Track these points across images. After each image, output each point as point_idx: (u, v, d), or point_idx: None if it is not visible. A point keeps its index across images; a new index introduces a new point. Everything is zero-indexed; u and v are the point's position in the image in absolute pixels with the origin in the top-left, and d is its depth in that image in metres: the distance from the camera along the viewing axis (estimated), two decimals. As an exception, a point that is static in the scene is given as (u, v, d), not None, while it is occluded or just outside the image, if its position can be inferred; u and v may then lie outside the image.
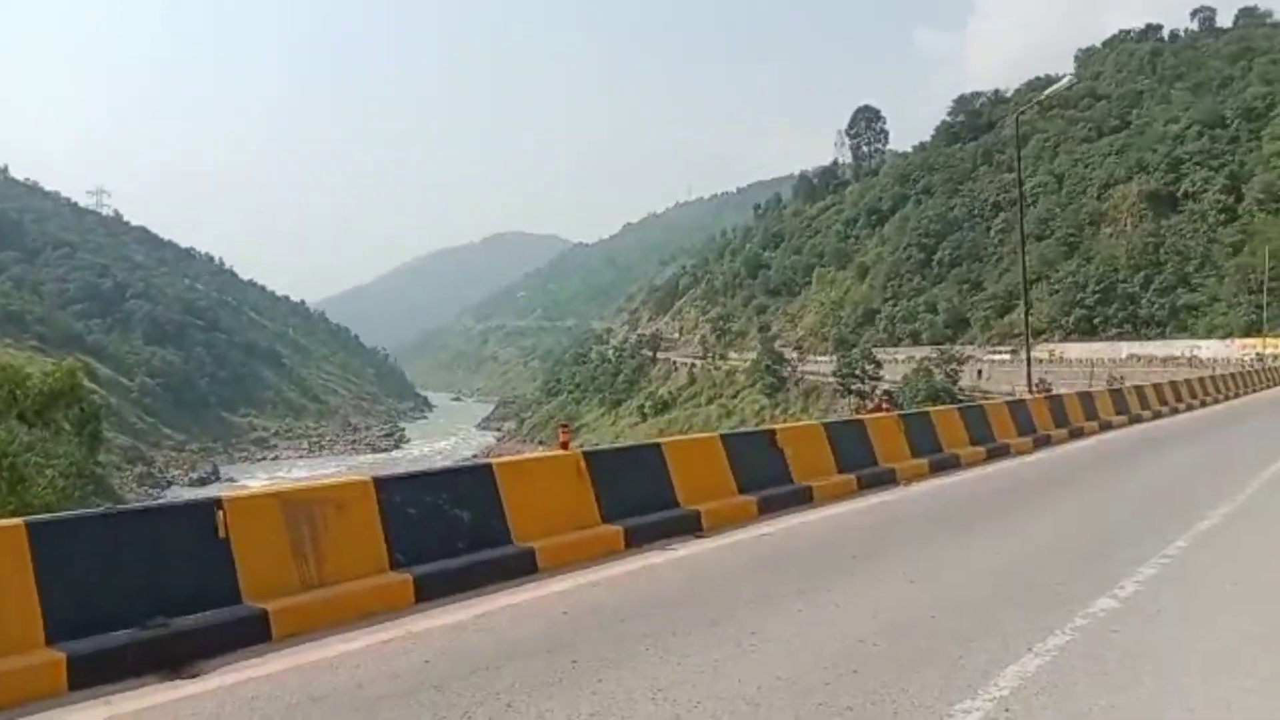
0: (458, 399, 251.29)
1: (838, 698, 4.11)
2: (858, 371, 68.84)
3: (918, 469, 11.70)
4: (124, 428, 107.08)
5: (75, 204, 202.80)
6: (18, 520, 4.71)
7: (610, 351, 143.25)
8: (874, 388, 65.98)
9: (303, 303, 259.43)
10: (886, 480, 10.92)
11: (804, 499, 9.46)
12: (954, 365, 61.25)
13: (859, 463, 10.75)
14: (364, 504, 5.88)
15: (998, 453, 13.96)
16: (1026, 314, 39.25)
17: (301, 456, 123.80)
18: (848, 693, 4.17)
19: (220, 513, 5.27)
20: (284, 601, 5.30)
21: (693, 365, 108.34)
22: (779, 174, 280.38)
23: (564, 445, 8.71)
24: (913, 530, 8.29)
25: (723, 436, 9.09)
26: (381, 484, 6.02)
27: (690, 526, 7.85)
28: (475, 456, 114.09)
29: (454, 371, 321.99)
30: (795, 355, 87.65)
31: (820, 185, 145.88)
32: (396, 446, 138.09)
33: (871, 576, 6.50)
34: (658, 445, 8.40)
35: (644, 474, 7.96)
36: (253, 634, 5.11)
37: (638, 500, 7.64)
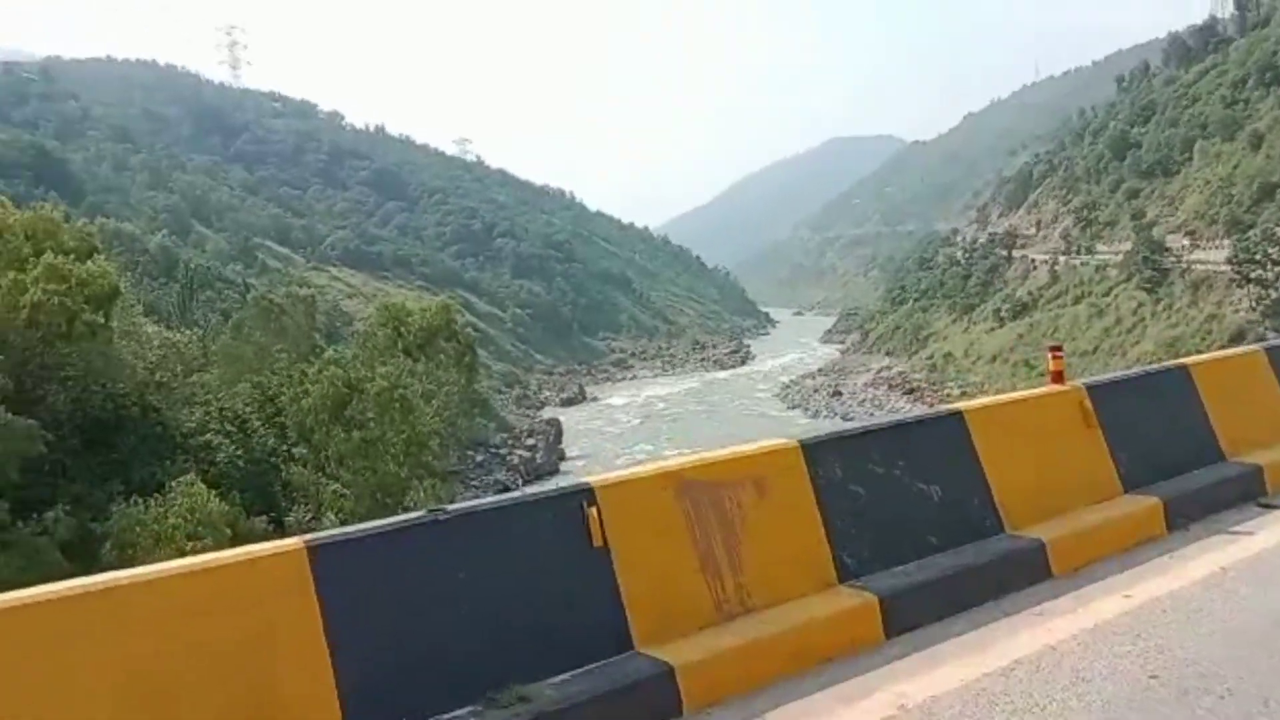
0: (799, 313, 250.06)
1: None
2: (1258, 257, 58.60)
3: None
4: (500, 355, 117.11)
5: (443, 153, 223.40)
6: (295, 542, 3.28)
7: (959, 253, 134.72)
8: (1278, 274, 56.09)
9: (646, 228, 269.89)
10: None
11: None
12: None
13: None
14: (791, 481, 4.02)
15: None
16: None
17: (655, 375, 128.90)
18: None
19: (592, 510, 3.59)
20: (695, 650, 3.50)
21: (1054, 262, 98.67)
22: (1140, 40, 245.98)
23: (1057, 377, 5.77)
24: None
25: (1270, 349, 6.30)
26: (813, 450, 4.15)
27: (1246, 491, 5.28)
28: (821, 371, 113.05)
29: (793, 286, 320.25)
30: (1186, 243, 76.45)
31: (1197, 46, 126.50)
32: (743, 363, 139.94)
33: None
34: (1184, 368, 5.90)
35: (1169, 413, 5.52)
36: (651, 706, 3.38)
37: (1168, 455, 5.27)
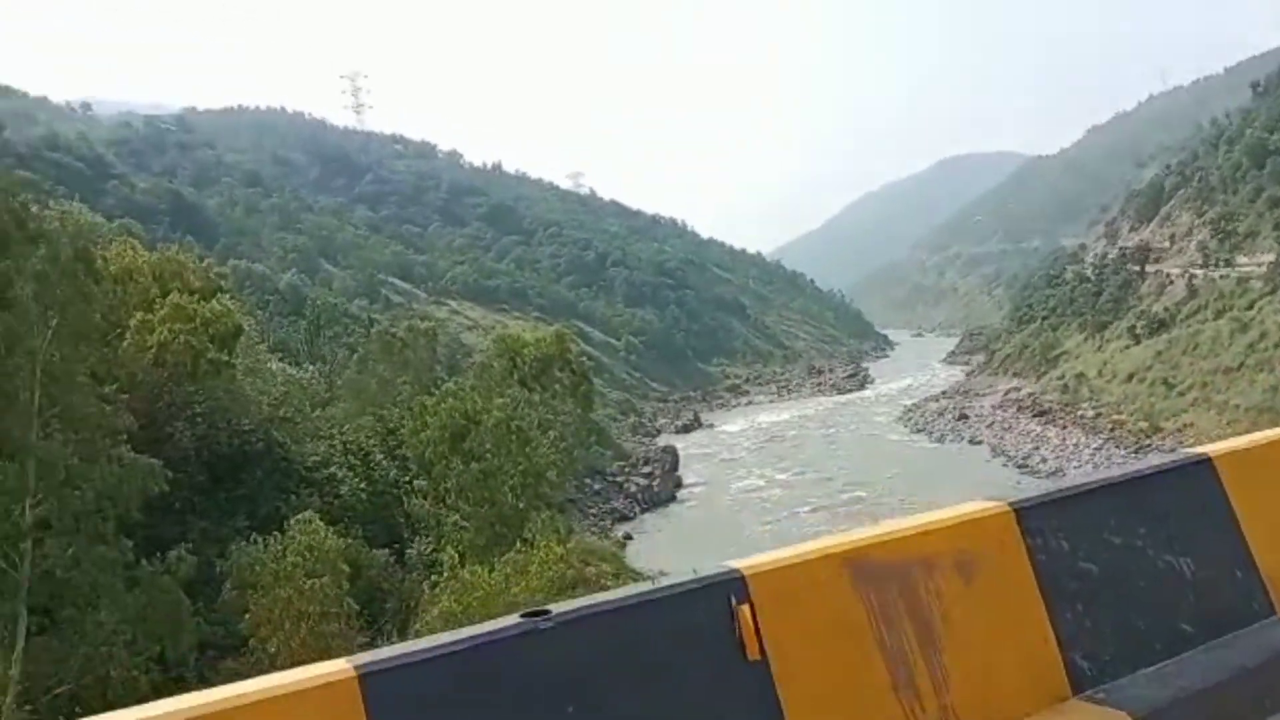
0: (919, 335, 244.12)
1: None
2: None
3: None
4: (615, 383, 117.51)
5: (557, 187, 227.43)
6: (342, 664, 2.31)
7: (1088, 269, 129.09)
8: None
9: (759, 254, 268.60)
10: None
11: None
12: None
13: None
14: (1003, 558, 3.07)
15: None
16: None
17: (771, 400, 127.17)
18: None
19: (744, 609, 2.63)
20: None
21: (1190, 276, 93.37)
22: (1274, 44, 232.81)
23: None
24: None
25: None
26: (1029, 514, 3.16)
27: None
28: (945, 393, 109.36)
29: (912, 307, 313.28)
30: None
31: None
32: (861, 386, 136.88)
33: None
34: None
35: None
36: None
37: None
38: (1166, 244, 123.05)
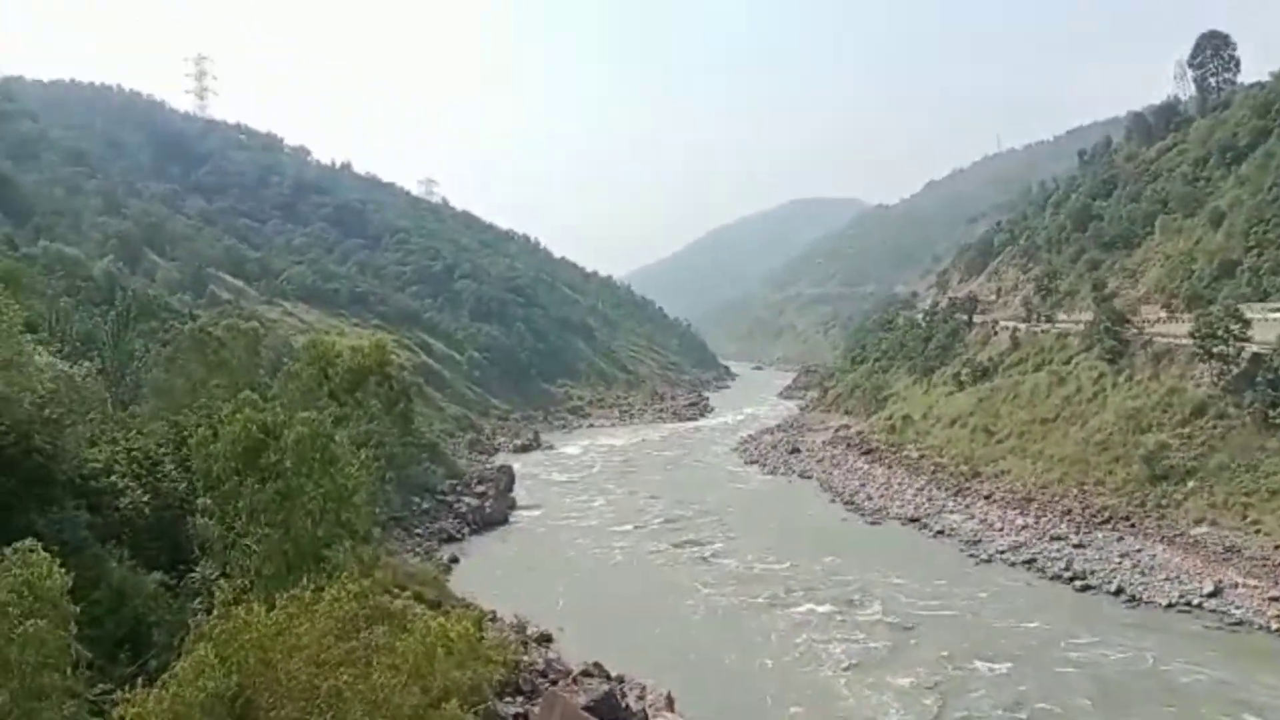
0: (759, 368, 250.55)
1: None
2: (1220, 332, 58.23)
3: None
4: (455, 398, 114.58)
5: (408, 193, 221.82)
6: None
7: (919, 316, 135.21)
8: (1240, 350, 55.78)
9: (610, 277, 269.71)
10: None
11: None
12: (1349, 325, 49.97)
13: None
14: None
15: None
16: None
17: (612, 424, 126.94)
18: None
19: None
20: None
21: (1015, 329, 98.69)
22: (1100, 117, 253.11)
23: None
24: None
25: None
26: None
27: None
28: (780, 427, 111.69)
29: (754, 340, 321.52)
30: (1163, 314, 76.27)
31: (1158, 124, 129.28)
32: (702, 415, 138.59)
33: None
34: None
35: None
36: None
37: None
38: (993, 297, 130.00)
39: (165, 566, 23.34)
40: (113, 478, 23.93)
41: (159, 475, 25.01)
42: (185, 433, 24.67)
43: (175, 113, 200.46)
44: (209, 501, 20.25)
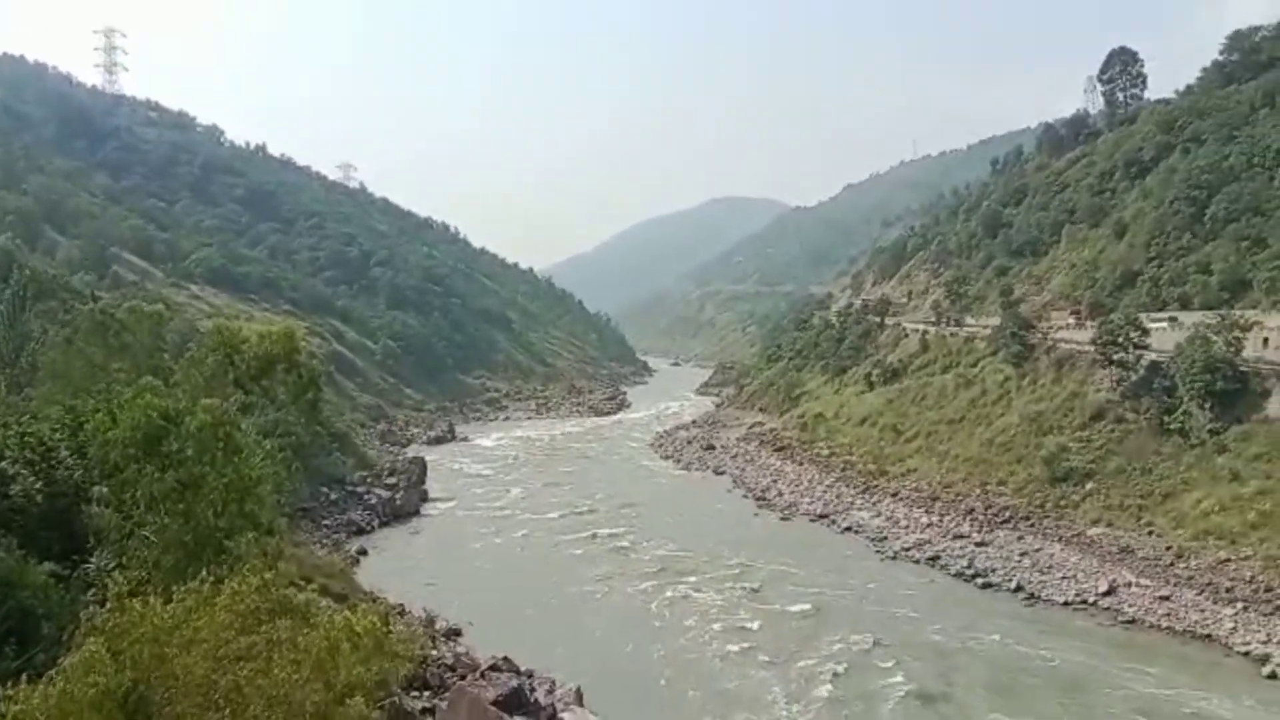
0: (677, 364, 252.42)
1: None
2: (1120, 340, 60.74)
3: None
4: (368, 387, 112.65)
5: (324, 177, 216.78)
6: None
7: (833, 317, 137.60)
8: (1139, 357, 58.08)
9: (530, 270, 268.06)
10: None
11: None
12: (1237, 333, 52.49)
13: None
14: None
15: None
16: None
17: (529, 418, 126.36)
18: None
19: None
20: None
21: (925, 332, 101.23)
22: (1013, 128, 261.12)
23: None
24: None
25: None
26: None
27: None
28: (695, 423, 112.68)
29: (672, 336, 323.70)
30: (1072, 320, 78.97)
31: (1068, 136, 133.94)
32: (619, 410, 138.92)
33: None
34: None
35: None
36: None
37: None
38: (905, 299, 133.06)
39: (58, 557, 22.45)
40: (3, 463, 22.97)
41: (53, 461, 24.02)
42: (83, 418, 23.78)
43: (82, 87, 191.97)
44: (106, 490, 19.56)
